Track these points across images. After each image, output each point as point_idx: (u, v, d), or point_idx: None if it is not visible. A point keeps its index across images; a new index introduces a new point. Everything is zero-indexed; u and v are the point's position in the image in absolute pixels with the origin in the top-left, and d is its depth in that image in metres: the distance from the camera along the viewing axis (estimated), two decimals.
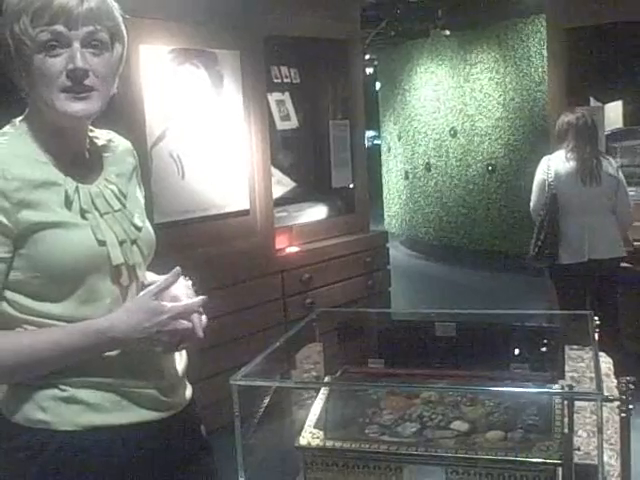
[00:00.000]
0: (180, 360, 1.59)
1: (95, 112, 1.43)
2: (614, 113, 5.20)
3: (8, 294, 1.41)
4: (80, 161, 1.50)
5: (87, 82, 1.39)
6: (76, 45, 1.37)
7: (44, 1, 1.34)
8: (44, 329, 1.41)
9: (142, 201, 1.63)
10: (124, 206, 1.52)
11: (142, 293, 1.44)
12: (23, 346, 1.39)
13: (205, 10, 3.88)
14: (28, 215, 1.37)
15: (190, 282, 1.57)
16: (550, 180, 4.15)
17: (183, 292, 1.51)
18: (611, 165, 4.21)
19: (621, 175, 4.21)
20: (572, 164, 4.12)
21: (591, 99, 5.20)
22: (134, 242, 1.51)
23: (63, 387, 1.41)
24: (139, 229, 1.53)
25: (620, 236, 4.20)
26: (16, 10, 1.35)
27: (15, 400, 1.44)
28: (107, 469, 1.43)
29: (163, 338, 1.43)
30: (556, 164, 4.17)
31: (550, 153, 4.36)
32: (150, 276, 1.63)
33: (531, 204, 4.34)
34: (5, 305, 1.41)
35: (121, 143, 1.63)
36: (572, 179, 4.11)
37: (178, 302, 1.46)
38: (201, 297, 1.49)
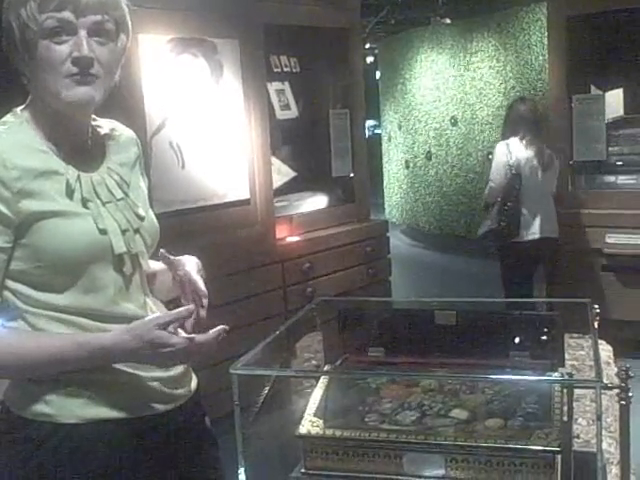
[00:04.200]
0: None
1: (97, 99, 1.43)
2: (615, 101, 5.18)
3: (11, 284, 1.41)
4: (82, 150, 1.49)
5: (92, 71, 1.39)
6: (82, 33, 1.37)
7: None
8: (49, 336, 1.40)
9: (145, 190, 1.63)
10: (127, 195, 1.52)
11: (149, 318, 1.42)
12: (27, 350, 1.39)
13: None
14: (29, 204, 1.37)
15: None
16: (511, 163, 4.58)
17: (194, 269, 1.52)
18: (553, 154, 4.73)
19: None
20: (530, 151, 4.59)
21: (592, 87, 5.18)
22: (137, 231, 1.51)
23: (67, 381, 1.42)
24: (142, 218, 1.53)
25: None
26: None
27: (19, 394, 1.45)
28: (110, 461, 1.43)
29: None
30: (516, 149, 4.61)
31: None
32: (153, 264, 1.64)
33: (491, 184, 4.71)
34: (9, 295, 1.42)
35: (124, 132, 1.63)
36: (531, 164, 4.59)
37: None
38: (219, 330, 1.46)
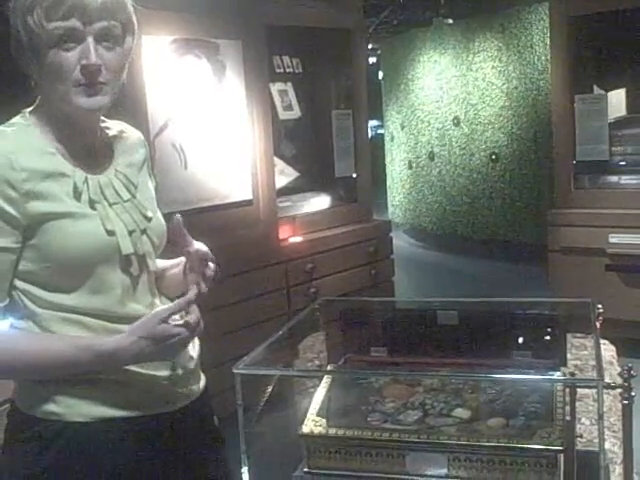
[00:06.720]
0: (194, 350, 1.59)
1: (107, 105, 1.45)
2: (617, 101, 5.18)
3: (20, 284, 1.42)
4: (90, 151, 1.50)
5: (101, 78, 1.39)
6: (90, 40, 1.37)
7: None
8: (53, 339, 1.41)
9: (153, 191, 1.64)
10: (134, 196, 1.53)
11: (151, 315, 1.43)
12: (30, 353, 1.39)
13: None
14: (36, 206, 1.37)
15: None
16: None
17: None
18: None
19: None
20: None
21: (594, 87, 5.18)
22: (144, 232, 1.52)
23: (75, 380, 1.42)
24: (149, 219, 1.54)
25: None
26: (29, 3, 1.35)
27: (28, 393, 1.45)
28: (118, 460, 1.44)
29: None
30: None
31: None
32: (160, 263, 1.64)
33: None
34: (18, 295, 1.42)
35: (133, 134, 1.65)
36: None
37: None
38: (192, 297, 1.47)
